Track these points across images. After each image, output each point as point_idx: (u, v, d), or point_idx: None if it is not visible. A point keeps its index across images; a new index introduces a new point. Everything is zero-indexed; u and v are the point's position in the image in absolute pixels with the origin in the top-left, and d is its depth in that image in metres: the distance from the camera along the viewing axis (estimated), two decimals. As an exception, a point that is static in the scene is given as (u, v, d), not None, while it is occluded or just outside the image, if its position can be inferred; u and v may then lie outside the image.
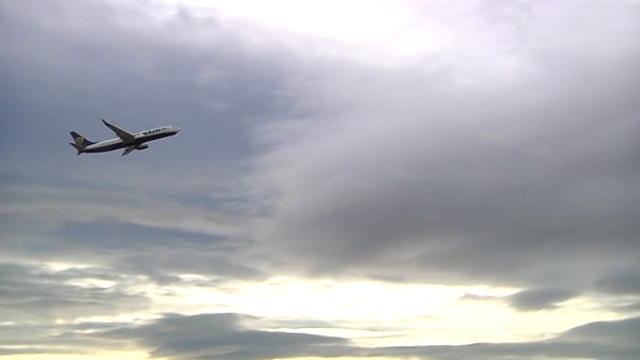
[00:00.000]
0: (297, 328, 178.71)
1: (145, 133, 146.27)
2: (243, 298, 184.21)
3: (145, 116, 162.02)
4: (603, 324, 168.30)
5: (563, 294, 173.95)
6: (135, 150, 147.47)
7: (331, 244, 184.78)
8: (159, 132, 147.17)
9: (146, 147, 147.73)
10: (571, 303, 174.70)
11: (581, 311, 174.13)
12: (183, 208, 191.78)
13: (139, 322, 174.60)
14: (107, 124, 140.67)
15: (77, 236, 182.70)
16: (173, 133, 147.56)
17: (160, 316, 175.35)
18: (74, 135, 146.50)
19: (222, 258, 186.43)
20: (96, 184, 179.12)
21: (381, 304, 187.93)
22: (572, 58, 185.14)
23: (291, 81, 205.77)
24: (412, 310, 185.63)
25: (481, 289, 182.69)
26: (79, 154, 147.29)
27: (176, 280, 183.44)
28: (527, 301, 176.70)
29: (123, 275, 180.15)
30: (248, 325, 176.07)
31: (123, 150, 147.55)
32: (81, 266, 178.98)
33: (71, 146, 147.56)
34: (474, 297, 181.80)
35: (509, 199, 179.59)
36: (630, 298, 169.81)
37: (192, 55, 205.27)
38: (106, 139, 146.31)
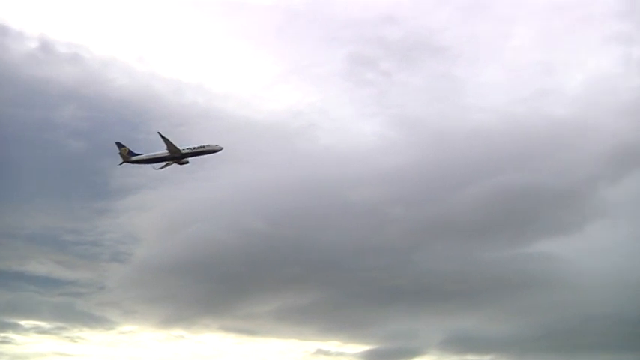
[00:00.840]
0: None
1: (190, 149, 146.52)
2: (89, 348, 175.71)
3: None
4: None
5: (411, 352, 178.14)
6: (174, 165, 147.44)
7: (185, 294, 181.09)
8: (203, 149, 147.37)
9: (187, 163, 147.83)
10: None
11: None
12: (30, 249, 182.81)
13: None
14: (162, 136, 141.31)
15: None
16: (216, 151, 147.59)
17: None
18: (119, 145, 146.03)
19: (68, 304, 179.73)
20: None
21: (234, 357, 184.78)
22: (428, 126, 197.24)
23: (155, 126, 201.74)
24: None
25: (334, 344, 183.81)
26: (121, 164, 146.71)
27: (14, 327, 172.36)
28: (377, 358, 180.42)
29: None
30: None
31: (161, 164, 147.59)
32: None
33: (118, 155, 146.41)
34: (327, 353, 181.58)
35: (365, 257, 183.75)
36: (471, 358, 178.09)
37: (53, 90, 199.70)
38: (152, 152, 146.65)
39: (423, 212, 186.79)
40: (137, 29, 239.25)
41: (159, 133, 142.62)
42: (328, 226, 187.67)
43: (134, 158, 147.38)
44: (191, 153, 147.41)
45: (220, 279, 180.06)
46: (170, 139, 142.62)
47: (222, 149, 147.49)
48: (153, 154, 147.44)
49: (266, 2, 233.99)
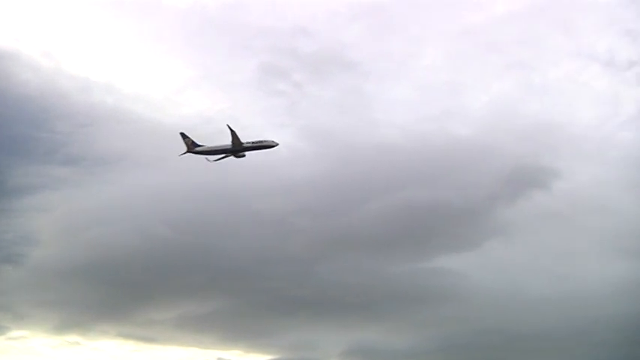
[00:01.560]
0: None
1: (250, 143, 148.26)
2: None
3: None
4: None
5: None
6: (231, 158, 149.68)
7: (82, 299, 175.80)
8: (261, 144, 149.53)
9: (244, 156, 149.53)
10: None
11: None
12: None
13: None
14: (230, 129, 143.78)
15: None
16: (272, 147, 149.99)
17: None
18: (184, 136, 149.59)
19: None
20: None
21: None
22: (336, 139, 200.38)
23: (60, 125, 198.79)
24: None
25: (234, 354, 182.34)
26: (184, 153, 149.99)
27: None
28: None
29: None
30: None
31: (216, 157, 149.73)
32: None
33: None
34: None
35: (269, 267, 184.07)
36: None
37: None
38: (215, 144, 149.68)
39: (328, 224, 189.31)
40: (44, 22, 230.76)
41: (228, 125, 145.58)
42: (234, 234, 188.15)
43: (197, 149, 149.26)
44: (250, 147, 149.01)
45: (120, 284, 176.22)
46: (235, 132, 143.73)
47: (278, 145, 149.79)
48: (215, 145, 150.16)
49: (181, 6, 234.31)
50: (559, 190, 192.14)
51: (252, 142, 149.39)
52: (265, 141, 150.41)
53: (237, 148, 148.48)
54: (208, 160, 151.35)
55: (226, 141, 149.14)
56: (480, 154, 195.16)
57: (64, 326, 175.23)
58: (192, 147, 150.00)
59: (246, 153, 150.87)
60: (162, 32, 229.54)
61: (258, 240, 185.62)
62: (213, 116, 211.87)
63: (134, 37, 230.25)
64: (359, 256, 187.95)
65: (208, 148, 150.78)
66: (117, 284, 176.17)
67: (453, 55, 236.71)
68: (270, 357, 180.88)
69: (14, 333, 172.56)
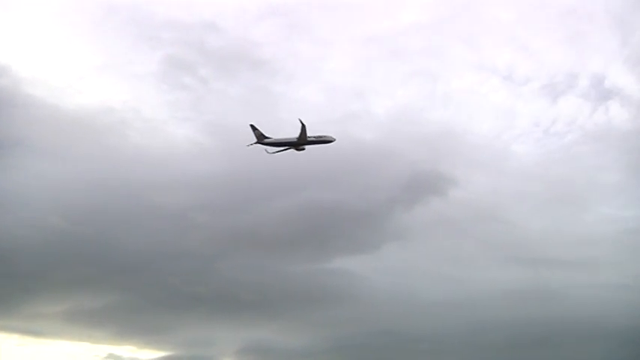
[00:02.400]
0: None
1: (313, 137, 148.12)
2: None
3: None
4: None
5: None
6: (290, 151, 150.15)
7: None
8: (321, 138, 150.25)
9: (304, 149, 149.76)
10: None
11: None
12: None
13: None
14: (302, 123, 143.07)
15: None
16: (331, 142, 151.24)
17: None
18: (253, 127, 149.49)
19: None
20: None
21: (16, 359, 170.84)
22: (240, 137, 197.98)
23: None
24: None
25: (127, 349, 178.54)
26: (253, 144, 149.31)
27: None
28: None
29: None
30: None
31: (276, 149, 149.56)
32: None
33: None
34: (118, 358, 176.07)
35: (166, 262, 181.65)
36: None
37: None
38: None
39: (229, 221, 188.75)
40: None
41: (299, 119, 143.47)
42: (131, 227, 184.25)
43: (265, 140, 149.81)
44: (313, 141, 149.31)
45: (4, 275, 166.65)
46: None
47: (335, 140, 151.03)
48: (282, 138, 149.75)
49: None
50: (455, 197, 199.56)
51: (315, 137, 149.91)
52: (326, 136, 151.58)
53: (302, 142, 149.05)
54: (268, 152, 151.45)
55: (293, 134, 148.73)
56: (382, 159, 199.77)
57: None
58: (261, 138, 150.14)
59: (306, 147, 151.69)
60: (65, 16, 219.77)
61: (156, 234, 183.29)
62: (115, 106, 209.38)
63: (35, 18, 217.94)
64: (259, 255, 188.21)
65: (275, 140, 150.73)
66: (1, 275, 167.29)
67: (359, 60, 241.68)
68: (164, 353, 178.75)
69: None
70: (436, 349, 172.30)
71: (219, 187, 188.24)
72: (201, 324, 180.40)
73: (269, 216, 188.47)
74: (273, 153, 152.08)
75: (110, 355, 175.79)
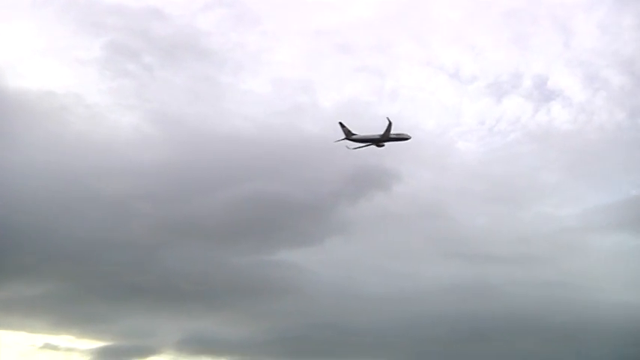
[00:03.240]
0: None
1: (393, 135, 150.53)
2: None
3: None
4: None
5: (146, 351, 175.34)
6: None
7: None
8: (400, 136, 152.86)
9: (383, 146, 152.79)
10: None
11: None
12: None
13: None
14: (389, 121, 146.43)
15: None
16: (407, 139, 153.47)
17: None
18: (342, 125, 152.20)
19: None
20: None
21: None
22: (186, 126, 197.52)
23: None
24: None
25: (65, 339, 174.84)
26: (342, 140, 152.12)
27: None
28: (110, 356, 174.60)
29: None
30: None
31: (357, 145, 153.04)
32: None
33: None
34: (55, 347, 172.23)
35: (106, 251, 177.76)
36: (206, 359, 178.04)
37: None
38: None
39: (171, 211, 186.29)
40: None
41: (387, 118, 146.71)
42: (71, 215, 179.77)
43: (353, 137, 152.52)
44: (392, 138, 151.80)
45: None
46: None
47: (411, 138, 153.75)
48: (368, 134, 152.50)
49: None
50: (399, 192, 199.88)
51: (396, 134, 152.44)
52: (403, 134, 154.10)
53: (385, 139, 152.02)
54: (348, 148, 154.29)
55: (372, 131, 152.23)
56: (327, 153, 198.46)
57: None
58: (349, 135, 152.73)
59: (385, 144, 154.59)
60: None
61: (97, 222, 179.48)
62: (56, 91, 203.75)
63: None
64: (202, 245, 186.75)
65: (362, 136, 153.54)
66: None
67: (307, 53, 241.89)
68: (103, 343, 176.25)
69: None
70: (378, 342, 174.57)
71: (163, 177, 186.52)
72: (142, 314, 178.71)
73: (213, 207, 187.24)
74: (354, 149, 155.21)
75: (47, 345, 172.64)
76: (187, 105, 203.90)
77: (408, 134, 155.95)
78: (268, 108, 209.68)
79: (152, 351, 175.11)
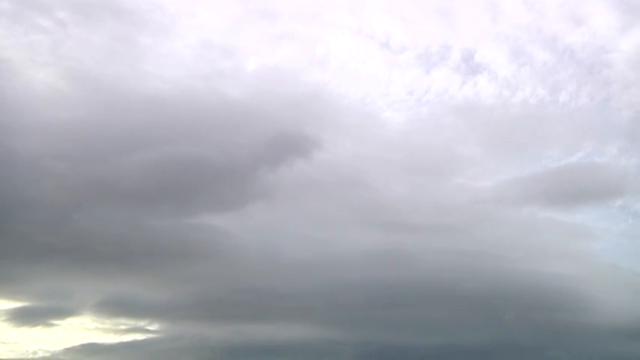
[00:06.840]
0: None
1: None
2: None
3: None
4: (99, 345, 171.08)
5: (63, 312, 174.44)
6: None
7: None
8: None
9: None
10: (69, 322, 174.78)
11: (78, 331, 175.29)
12: None
13: None
14: None
15: None
16: None
17: None
18: None
19: None
20: None
21: None
22: (103, 86, 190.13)
23: None
24: None
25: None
26: None
27: None
28: (25, 317, 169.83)
29: None
30: None
31: None
32: None
33: None
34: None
35: (19, 211, 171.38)
36: (126, 322, 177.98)
37: None
38: None
39: (87, 171, 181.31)
40: None
41: None
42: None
43: None
44: None
45: None
46: None
47: None
48: None
49: None
50: (320, 160, 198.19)
51: None
52: None
53: None
54: None
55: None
56: (247, 117, 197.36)
57: None
58: None
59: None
60: None
61: (8, 181, 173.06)
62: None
63: None
64: (119, 207, 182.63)
65: None
66: None
67: (231, 17, 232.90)
68: (19, 304, 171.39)
69: None
70: (298, 307, 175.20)
71: (78, 136, 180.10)
72: (58, 275, 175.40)
73: (130, 168, 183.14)
74: None
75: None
76: (105, 64, 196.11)
77: None
78: (189, 71, 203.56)
79: (70, 312, 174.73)
